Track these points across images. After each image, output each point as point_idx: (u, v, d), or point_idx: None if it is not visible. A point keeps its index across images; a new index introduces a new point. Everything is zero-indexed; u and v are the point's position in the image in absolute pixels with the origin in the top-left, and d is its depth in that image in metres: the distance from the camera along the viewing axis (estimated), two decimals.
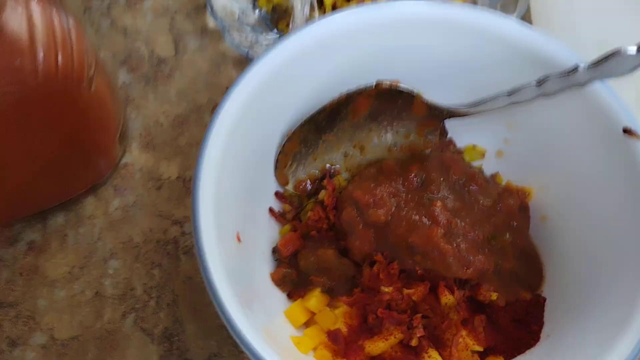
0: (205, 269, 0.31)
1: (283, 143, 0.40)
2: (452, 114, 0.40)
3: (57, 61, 0.36)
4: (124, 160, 0.47)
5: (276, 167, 0.41)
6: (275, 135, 0.40)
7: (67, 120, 0.40)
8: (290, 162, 0.41)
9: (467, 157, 0.44)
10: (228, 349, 0.42)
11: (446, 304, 0.37)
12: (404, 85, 0.40)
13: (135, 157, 0.48)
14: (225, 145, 0.35)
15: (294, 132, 0.40)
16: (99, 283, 0.44)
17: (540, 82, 0.36)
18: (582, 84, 0.35)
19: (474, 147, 0.44)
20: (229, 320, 0.30)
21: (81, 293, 0.43)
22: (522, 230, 0.41)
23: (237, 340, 0.30)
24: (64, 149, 0.41)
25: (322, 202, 0.41)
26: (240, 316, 0.30)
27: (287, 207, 0.42)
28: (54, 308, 0.43)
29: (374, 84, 0.40)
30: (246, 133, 0.37)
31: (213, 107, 0.50)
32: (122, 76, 0.51)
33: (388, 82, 0.40)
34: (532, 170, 0.42)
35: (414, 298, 0.37)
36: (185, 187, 0.47)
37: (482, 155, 0.44)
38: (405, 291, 0.37)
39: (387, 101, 0.41)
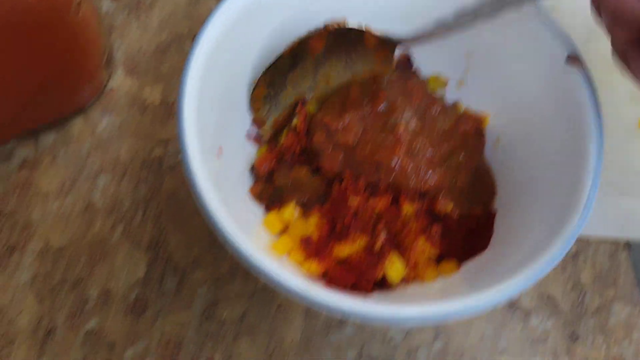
0: (191, 177, 0.34)
1: (252, 90, 0.43)
2: (400, 41, 0.43)
3: None
4: (109, 85, 0.50)
5: (251, 113, 0.44)
6: (253, 60, 0.43)
7: (55, 45, 0.42)
8: (262, 106, 0.44)
9: (430, 86, 0.47)
10: (209, 256, 0.45)
11: (406, 213, 0.41)
12: (352, 22, 0.42)
13: (120, 82, 0.50)
14: (205, 70, 0.38)
15: (259, 79, 0.43)
16: (89, 197, 0.46)
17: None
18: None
19: (436, 77, 0.47)
20: (215, 223, 0.33)
21: (73, 205, 0.46)
22: (477, 151, 0.45)
23: (224, 241, 0.33)
24: (52, 73, 0.43)
25: (295, 128, 0.44)
26: (226, 219, 0.34)
27: (264, 131, 0.45)
28: (48, 219, 0.46)
29: (323, 26, 0.42)
30: (224, 60, 0.40)
31: (193, 37, 0.52)
32: (106, 5, 0.52)
33: (335, 23, 0.42)
34: (489, 98, 0.46)
35: (377, 209, 0.41)
36: (167, 112, 0.49)
37: (444, 84, 0.47)
38: (371, 201, 0.41)
39: (340, 39, 0.43)
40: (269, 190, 0.43)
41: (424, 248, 0.41)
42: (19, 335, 0.42)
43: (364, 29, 0.43)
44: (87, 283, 0.44)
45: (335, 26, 0.42)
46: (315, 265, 0.40)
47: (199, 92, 0.37)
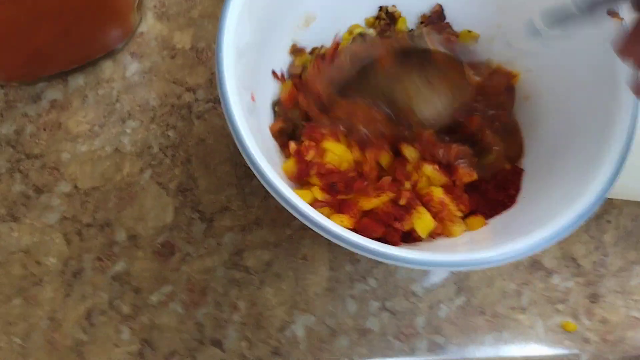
0: (233, 123, 0.33)
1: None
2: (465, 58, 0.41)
3: None
4: (140, 29, 0.48)
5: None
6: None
7: None
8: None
9: (462, 40, 0.46)
10: (236, 203, 0.45)
11: (430, 176, 0.41)
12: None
13: (150, 26, 0.49)
14: (240, 14, 0.37)
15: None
16: (118, 140, 0.46)
17: None
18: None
19: (468, 31, 0.46)
20: (257, 167, 0.33)
21: (101, 149, 0.46)
22: (506, 108, 0.44)
23: (265, 184, 0.33)
24: (85, 11, 0.42)
25: (322, 56, 0.43)
26: (264, 162, 0.33)
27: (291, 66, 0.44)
28: (77, 161, 0.45)
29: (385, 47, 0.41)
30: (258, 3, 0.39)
31: None
32: None
33: (397, 42, 0.41)
34: (520, 55, 0.45)
35: (407, 168, 0.41)
36: (197, 57, 0.48)
37: (476, 39, 0.46)
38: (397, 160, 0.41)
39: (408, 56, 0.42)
40: (288, 128, 0.42)
41: (449, 205, 0.40)
42: (46, 275, 0.42)
43: (430, 49, 0.41)
44: (114, 226, 0.44)
45: (397, 46, 0.41)
46: (342, 218, 0.40)
47: (236, 34, 0.36)
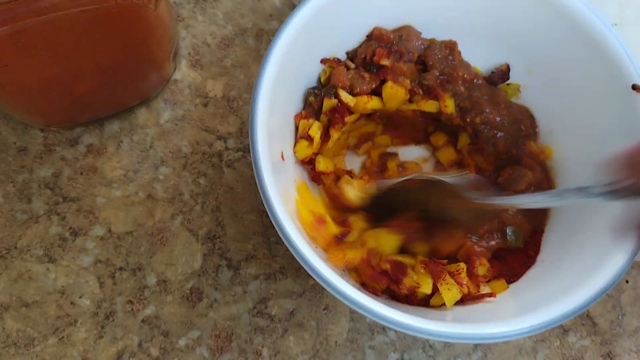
0: (262, 184, 0.35)
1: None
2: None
3: None
4: (174, 77, 0.50)
5: None
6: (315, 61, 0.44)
7: (134, 36, 0.42)
8: None
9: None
10: (262, 252, 0.46)
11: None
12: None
13: (184, 74, 0.50)
14: (277, 73, 0.38)
15: None
16: (151, 186, 0.47)
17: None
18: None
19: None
20: (281, 228, 0.34)
21: (135, 194, 0.47)
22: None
23: (288, 244, 0.34)
24: (126, 62, 0.44)
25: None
26: (289, 224, 0.35)
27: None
28: (111, 205, 0.47)
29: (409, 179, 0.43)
30: (293, 60, 0.40)
31: (257, 32, 0.52)
32: None
33: (417, 178, 0.42)
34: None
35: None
36: (229, 106, 0.50)
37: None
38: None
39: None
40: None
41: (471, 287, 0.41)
42: (80, 316, 0.44)
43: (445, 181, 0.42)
44: (145, 270, 0.45)
45: (418, 179, 0.42)
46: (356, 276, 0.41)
47: (270, 94, 0.38)
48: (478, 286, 0.41)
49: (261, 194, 0.35)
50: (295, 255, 0.34)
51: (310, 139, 0.42)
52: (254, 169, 0.35)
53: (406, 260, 0.42)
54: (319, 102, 0.43)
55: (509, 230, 0.43)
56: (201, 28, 0.52)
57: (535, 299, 0.39)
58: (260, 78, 0.37)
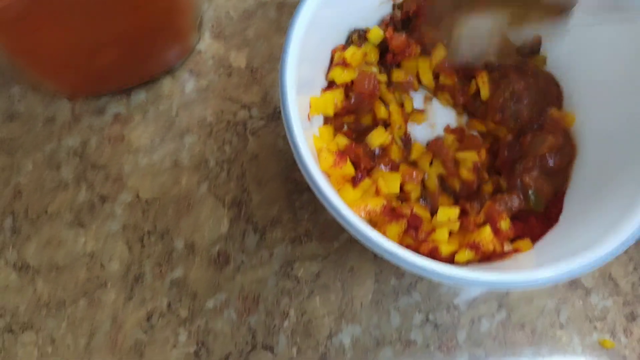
0: (295, 144, 0.35)
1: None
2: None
3: None
4: (197, 48, 0.51)
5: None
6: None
7: (159, 5, 0.43)
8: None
9: None
10: (287, 216, 0.47)
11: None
12: None
13: (207, 45, 0.51)
14: (303, 38, 0.39)
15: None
16: (177, 154, 0.48)
17: None
18: None
19: None
20: (315, 184, 0.35)
21: (161, 161, 0.48)
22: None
23: (325, 202, 0.35)
24: (151, 32, 0.44)
25: None
26: (323, 182, 0.35)
27: None
28: (138, 172, 0.47)
29: None
30: (317, 29, 0.41)
31: (278, 4, 0.53)
32: None
33: None
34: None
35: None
36: (252, 76, 0.50)
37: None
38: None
39: None
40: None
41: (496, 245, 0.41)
42: (110, 280, 0.45)
43: None
44: (173, 234, 0.46)
45: None
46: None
47: (298, 55, 0.38)
48: (502, 245, 0.41)
49: (293, 149, 0.35)
50: (326, 205, 0.34)
51: (346, 64, 0.43)
52: (285, 125, 0.36)
53: (423, 214, 0.42)
54: (362, 40, 0.44)
55: (530, 192, 0.44)
56: (223, 0, 0.52)
57: (557, 253, 0.39)
58: (289, 37, 0.38)
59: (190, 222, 0.46)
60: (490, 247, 0.40)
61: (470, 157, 0.45)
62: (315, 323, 0.44)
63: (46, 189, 0.46)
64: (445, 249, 0.40)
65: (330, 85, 0.44)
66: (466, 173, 0.44)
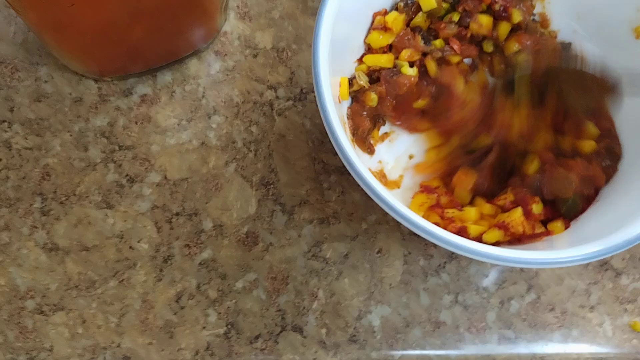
0: (328, 121, 0.34)
1: None
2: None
3: None
4: (223, 29, 0.49)
5: None
6: None
7: None
8: None
9: None
10: (315, 197, 0.45)
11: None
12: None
13: (233, 26, 0.49)
14: (334, 19, 0.37)
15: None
16: (204, 134, 0.47)
17: None
18: None
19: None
20: (347, 158, 0.33)
21: (189, 142, 0.46)
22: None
23: (357, 177, 0.33)
24: (179, 10, 0.43)
25: None
26: (354, 154, 0.34)
27: None
28: (166, 153, 0.46)
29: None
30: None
31: None
32: None
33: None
34: None
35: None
36: (278, 57, 0.49)
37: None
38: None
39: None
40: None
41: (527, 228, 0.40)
42: (139, 260, 0.44)
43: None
44: (202, 215, 0.45)
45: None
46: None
47: (329, 36, 0.37)
48: (533, 227, 0.40)
49: (325, 124, 0.34)
50: (361, 183, 0.33)
51: (385, 29, 0.41)
52: (317, 100, 0.35)
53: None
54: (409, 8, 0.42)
55: (570, 200, 0.41)
56: None
57: (591, 232, 0.38)
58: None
59: (219, 203, 0.45)
60: (520, 230, 0.39)
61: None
62: (345, 304, 0.43)
63: (75, 170, 0.45)
64: (474, 229, 0.39)
65: (369, 50, 0.43)
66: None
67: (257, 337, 0.42)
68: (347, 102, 0.42)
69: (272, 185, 0.45)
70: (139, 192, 0.45)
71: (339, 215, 0.45)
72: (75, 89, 0.47)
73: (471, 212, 0.39)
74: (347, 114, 0.42)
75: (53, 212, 0.44)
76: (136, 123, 0.46)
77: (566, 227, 0.40)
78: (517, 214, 0.39)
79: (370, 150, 0.43)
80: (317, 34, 0.36)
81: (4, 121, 0.46)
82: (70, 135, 0.46)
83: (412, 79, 0.42)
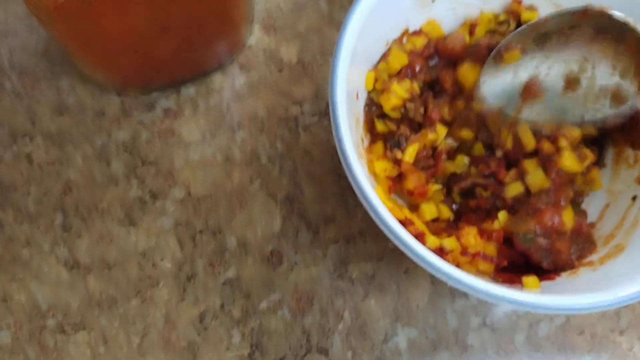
0: (343, 152, 0.32)
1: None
2: None
3: None
4: (248, 42, 0.47)
5: None
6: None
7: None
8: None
9: None
10: (341, 213, 0.43)
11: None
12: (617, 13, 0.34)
13: (258, 39, 0.47)
14: (355, 44, 0.35)
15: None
16: (229, 149, 0.44)
17: None
18: None
19: None
20: (364, 195, 0.31)
21: (213, 157, 0.44)
22: None
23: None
24: (207, 23, 0.40)
25: None
26: (369, 186, 0.31)
27: None
28: (189, 168, 0.44)
29: (582, 8, 0.34)
30: (371, 31, 0.37)
31: None
32: None
33: (598, 8, 0.34)
34: None
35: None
36: (304, 70, 0.46)
37: None
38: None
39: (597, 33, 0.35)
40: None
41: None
42: (162, 278, 0.41)
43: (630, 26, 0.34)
44: (226, 232, 0.42)
45: (598, 12, 0.34)
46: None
47: (348, 63, 0.34)
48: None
49: (341, 158, 0.32)
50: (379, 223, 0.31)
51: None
52: (333, 129, 0.32)
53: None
54: None
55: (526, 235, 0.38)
56: None
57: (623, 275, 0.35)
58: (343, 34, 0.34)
59: (243, 220, 0.43)
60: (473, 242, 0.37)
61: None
62: (371, 325, 0.41)
63: (97, 185, 0.43)
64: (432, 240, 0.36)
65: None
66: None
67: (282, 359, 0.40)
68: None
69: (297, 202, 0.43)
70: (162, 208, 0.42)
71: (365, 233, 0.43)
72: (97, 102, 0.44)
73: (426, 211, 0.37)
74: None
75: (75, 228, 0.42)
76: (159, 137, 0.44)
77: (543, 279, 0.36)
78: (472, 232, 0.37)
79: None
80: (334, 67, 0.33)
81: (25, 135, 0.43)
82: (93, 148, 0.43)
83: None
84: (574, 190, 0.38)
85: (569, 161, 0.36)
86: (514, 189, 0.37)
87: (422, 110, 0.40)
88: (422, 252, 0.31)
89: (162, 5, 0.36)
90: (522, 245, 0.36)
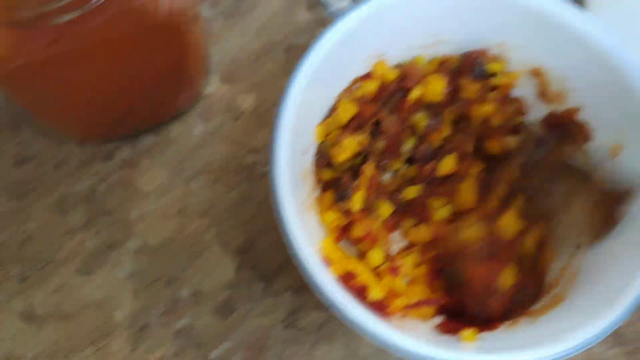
0: (281, 218, 0.32)
1: None
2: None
3: (173, 1, 0.35)
4: (206, 92, 0.47)
5: None
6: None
7: (172, 54, 0.39)
8: None
9: None
10: (293, 264, 0.44)
11: None
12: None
13: (215, 88, 0.47)
14: (300, 101, 0.36)
15: None
16: (185, 198, 0.45)
17: None
18: None
19: None
20: (299, 260, 0.32)
21: (169, 206, 0.44)
22: None
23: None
24: (163, 78, 0.41)
25: None
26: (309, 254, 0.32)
27: None
28: (146, 218, 0.44)
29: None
30: (316, 91, 0.37)
31: (287, 46, 0.49)
32: (204, 12, 0.50)
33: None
34: None
35: None
36: (260, 119, 0.47)
37: None
38: None
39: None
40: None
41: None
42: (115, 329, 0.42)
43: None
44: (180, 282, 0.43)
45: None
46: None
47: (293, 121, 0.35)
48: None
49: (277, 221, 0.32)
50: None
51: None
52: (270, 195, 0.33)
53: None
54: None
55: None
56: (231, 43, 0.49)
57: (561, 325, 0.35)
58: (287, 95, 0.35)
59: (197, 269, 0.43)
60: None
61: None
62: None
63: (55, 236, 0.43)
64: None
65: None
66: None
67: None
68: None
69: (251, 251, 0.44)
70: (117, 259, 0.43)
71: None
72: (57, 153, 0.45)
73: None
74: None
75: (32, 279, 0.42)
76: (117, 188, 0.45)
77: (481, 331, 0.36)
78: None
79: None
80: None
81: None
82: (52, 199, 0.44)
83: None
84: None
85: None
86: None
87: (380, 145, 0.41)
88: (352, 315, 0.31)
89: (116, 75, 0.37)
90: (449, 282, 0.36)
